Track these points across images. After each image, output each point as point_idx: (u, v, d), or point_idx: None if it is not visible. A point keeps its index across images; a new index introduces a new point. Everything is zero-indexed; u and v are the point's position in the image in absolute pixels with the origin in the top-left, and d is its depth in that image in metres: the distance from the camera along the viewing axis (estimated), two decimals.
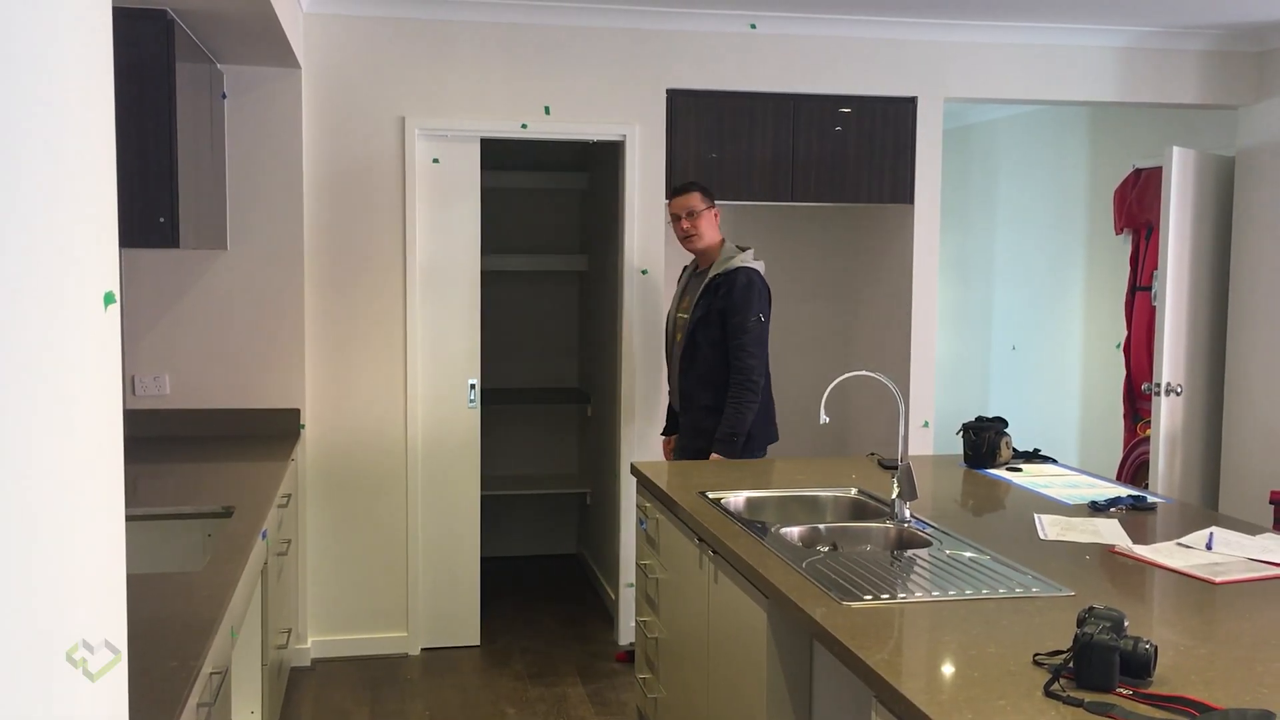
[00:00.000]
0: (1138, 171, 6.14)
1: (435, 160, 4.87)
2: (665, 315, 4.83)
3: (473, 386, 5.00)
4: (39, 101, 1.11)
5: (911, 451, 4.79)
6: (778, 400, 4.58)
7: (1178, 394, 5.31)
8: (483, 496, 5.12)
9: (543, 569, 6.32)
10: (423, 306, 4.91)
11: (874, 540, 3.14)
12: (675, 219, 4.49)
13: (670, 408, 4.74)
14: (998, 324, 7.59)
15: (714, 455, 4.29)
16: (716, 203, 4.54)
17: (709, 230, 4.45)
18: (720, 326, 4.32)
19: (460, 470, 5.03)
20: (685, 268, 4.72)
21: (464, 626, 5.07)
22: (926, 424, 5.26)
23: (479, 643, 5.06)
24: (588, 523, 6.37)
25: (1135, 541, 2.92)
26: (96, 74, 1.30)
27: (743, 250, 4.43)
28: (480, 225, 4.99)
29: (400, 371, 4.87)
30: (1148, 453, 5.47)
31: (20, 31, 1.07)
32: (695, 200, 4.44)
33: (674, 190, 4.55)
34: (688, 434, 4.46)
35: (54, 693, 1.19)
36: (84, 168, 1.25)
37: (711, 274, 4.38)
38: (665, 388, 4.85)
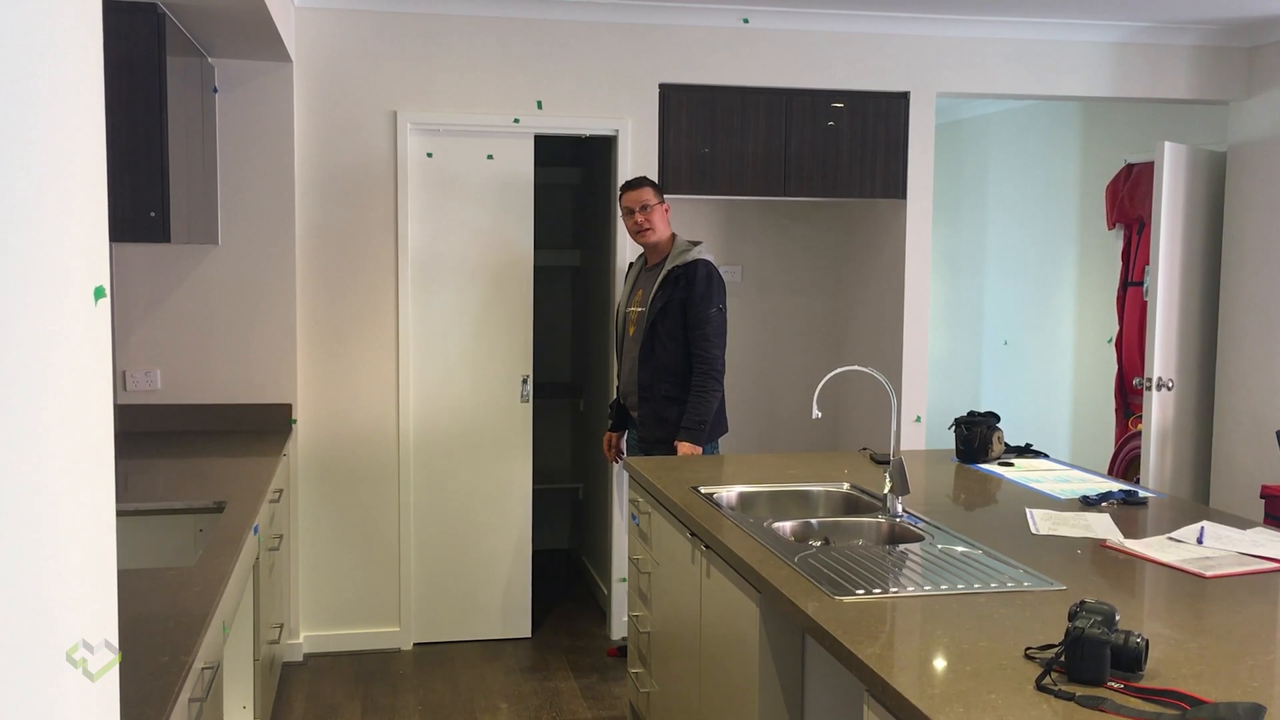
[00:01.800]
0: (1129, 166, 6.15)
1: (489, 156, 4.88)
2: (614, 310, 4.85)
3: (525, 381, 5.02)
4: (29, 95, 1.11)
5: (904, 446, 4.79)
6: (771, 394, 4.58)
7: (1169, 389, 5.32)
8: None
9: (535, 564, 6.30)
10: (464, 301, 4.96)
11: (866, 535, 3.15)
12: (628, 213, 4.52)
13: (616, 403, 4.76)
14: (990, 319, 7.59)
15: (680, 443, 4.31)
16: (713, 197, 4.55)
17: (661, 224, 4.51)
18: (681, 317, 4.38)
19: (512, 463, 5.08)
20: (632, 263, 4.77)
21: (512, 619, 5.14)
22: (919, 419, 5.26)
23: (530, 634, 5.13)
24: (580, 518, 6.37)
25: (1126, 536, 2.93)
26: (87, 67, 1.29)
27: (695, 244, 4.49)
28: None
29: (393, 366, 4.86)
30: (1139, 447, 5.48)
31: (9, 25, 1.06)
32: (648, 194, 4.48)
33: (627, 184, 4.57)
34: (649, 424, 4.47)
35: (54, 693, 1.18)
36: (74, 162, 1.24)
37: (669, 266, 4.43)
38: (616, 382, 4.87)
